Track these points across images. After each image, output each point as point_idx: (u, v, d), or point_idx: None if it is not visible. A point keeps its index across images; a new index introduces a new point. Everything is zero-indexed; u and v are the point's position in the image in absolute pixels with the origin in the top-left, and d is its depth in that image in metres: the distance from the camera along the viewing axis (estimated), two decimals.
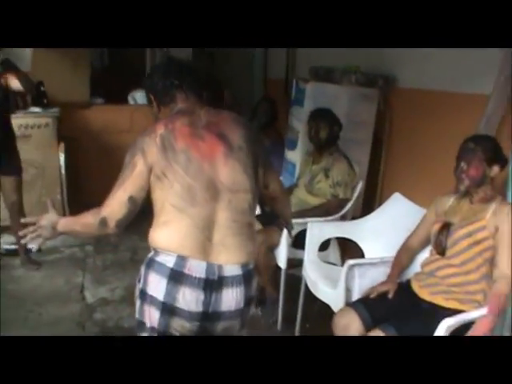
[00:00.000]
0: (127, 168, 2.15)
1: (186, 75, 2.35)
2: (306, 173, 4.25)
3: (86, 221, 2.19)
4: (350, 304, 2.98)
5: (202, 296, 2.10)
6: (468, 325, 2.59)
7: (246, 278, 2.18)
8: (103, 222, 2.13)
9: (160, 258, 2.13)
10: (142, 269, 2.20)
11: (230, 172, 2.17)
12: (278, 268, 3.96)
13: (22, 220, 2.46)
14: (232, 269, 2.13)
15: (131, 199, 2.12)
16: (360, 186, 4.11)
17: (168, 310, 2.12)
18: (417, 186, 3.91)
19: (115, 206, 2.13)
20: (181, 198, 2.11)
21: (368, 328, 2.75)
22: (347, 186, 4.02)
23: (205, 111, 2.27)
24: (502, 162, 2.80)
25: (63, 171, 5.62)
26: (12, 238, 5.16)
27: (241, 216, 2.18)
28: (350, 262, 3.17)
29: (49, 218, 2.28)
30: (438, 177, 3.61)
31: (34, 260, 5.04)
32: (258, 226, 4.05)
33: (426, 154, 3.98)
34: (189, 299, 2.10)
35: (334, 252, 4.10)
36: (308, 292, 3.76)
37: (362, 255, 3.72)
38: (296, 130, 4.67)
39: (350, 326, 2.81)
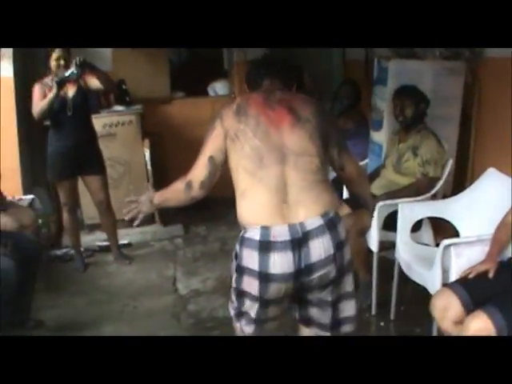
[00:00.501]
0: (208, 133, 2.42)
1: (271, 65, 2.61)
2: (393, 152, 4.14)
3: (175, 187, 2.49)
4: (447, 285, 2.87)
5: (291, 256, 2.25)
6: None
7: (329, 225, 2.30)
8: (189, 185, 2.41)
9: (248, 234, 2.32)
10: (237, 246, 2.39)
11: (295, 139, 2.34)
12: (370, 251, 3.87)
13: (127, 199, 2.73)
14: (313, 222, 2.28)
15: (211, 159, 2.38)
16: (450, 164, 3.97)
17: (264, 277, 2.29)
18: (510, 161, 3.73)
19: (198, 168, 2.40)
20: (250, 159, 2.31)
21: (468, 309, 2.63)
22: (437, 164, 3.88)
23: (280, 91, 2.49)
24: None
25: (149, 167, 5.69)
26: (103, 235, 5.29)
27: (310, 175, 2.33)
28: (446, 241, 3.06)
29: (147, 194, 2.64)
30: None
31: (125, 255, 5.14)
32: (347, 209, 3.99)
33: None
34: (280, 263, 2.26)
35: (426, 232, 3.97)
36: (401, 275, 3.67)
37: (456, 235, 3.58)
38: (380, 110, 4.56)
39: (448, 307, 2.70)
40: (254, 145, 2.31)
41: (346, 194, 4.37)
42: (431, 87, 4.20)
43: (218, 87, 6.66)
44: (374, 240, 3.80)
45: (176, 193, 2.51)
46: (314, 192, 2.32)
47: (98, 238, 5.42)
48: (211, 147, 2.39)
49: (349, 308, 2.50)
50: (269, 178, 2.29)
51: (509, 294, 2.63)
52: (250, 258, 2.30)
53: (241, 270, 2.37)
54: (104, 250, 5.25)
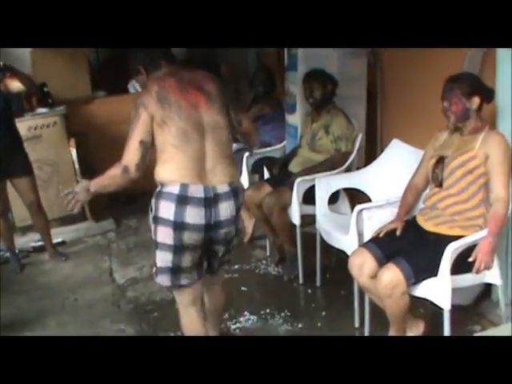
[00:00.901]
0: (134, 121, 2.69)
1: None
2: (307, 132, 4.44)
3: (111, 173, 2.74)
4: (362, 245, 3.18)
5: (203, 211, 2.70)
6: (472, 248, 2.80)
7: (234, 193, 2.82)
8: (125, 169, 2.67)
9: (167, 189, 2.69)
10: (153, 200, 2.76)
11: (210, 115, 2.77)
12: (293, 226, 4.16)
13: (63, 193, 2.88)
14: (222, 187, 2.76)
15: (142, 143, 2.67)
16: (360, 138, 4.29)
17: (179, 226, 2.69)
18: (414, 131, 4.06)
19: (131, 153, 2.68)
20: (178, 138, 2.68)
21: (381, 264, 2.94)
22: (348, 140, 4.20)
23: (185, 71, 2.87)
24: (483, 94, 2.97)
25: (77, 165, 5.84)
26: (37, 236, 5.42)
27: (222, 148, 2.80)
28: (358, 206, 3.38)
29: (81, 184, 2.87)
30: (433, 119, 3.75)
31: (61, 252, 5.28)
32: (269, 188, 4.27)
33: (419, 99, 4.13)
34: (194, 215, 2.68)
35: (343, 203, 4.28)
36: (323, 245, 3.97)
37: (370, 202, 3.90)
38: (293, 94, 4.85)
39: (364, 263, 3.00)
40: (180, 126, 2.68)
41: (266, 175, 4.66)
42: (338, 70, 4.49)
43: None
44: (295, 214, 4.09)
45: (113, 178, 2.75)
46: (224, 164, 2.80)
47: (31, 239, 5.53)
48: (140, 132, 2.68)
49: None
50: (191, 150, 2.70)
51: (414, 247, 2.96)
52: (167, 210, 2.69)
53: (157, 221, 2.75)
54: (39, 249, 5.37)
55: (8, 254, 5.19)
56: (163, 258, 2.80)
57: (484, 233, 2.81)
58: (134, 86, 6.77)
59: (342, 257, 3.64)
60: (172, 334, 3.61)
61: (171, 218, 2.68)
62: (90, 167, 5.99)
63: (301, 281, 4.22)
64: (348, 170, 4.23)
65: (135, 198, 6.02)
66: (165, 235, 2.74)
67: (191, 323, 2.97)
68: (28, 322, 3.99)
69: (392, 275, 2.81)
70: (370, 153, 4.62)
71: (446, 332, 2.86)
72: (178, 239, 2.72)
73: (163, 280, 2.88)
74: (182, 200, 2.66)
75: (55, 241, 5.40)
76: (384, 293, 2.86)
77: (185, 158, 2.69)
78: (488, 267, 2.79)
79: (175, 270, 2.81)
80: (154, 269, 2.89)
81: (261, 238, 5.00)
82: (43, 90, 5.89)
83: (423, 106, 4.08)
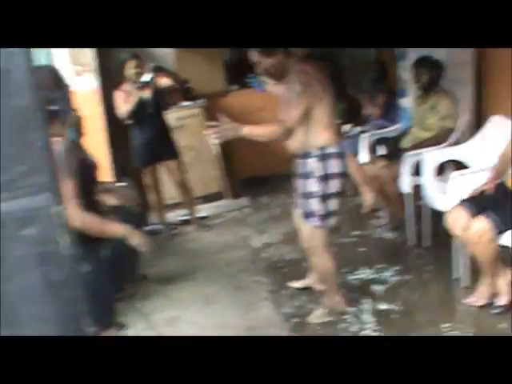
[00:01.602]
0: (298, 95, 3.40)
1: None
2: (417, 113, 5.02)
3: (267, 125, 3.55)
4: (457, 203, 3.74)
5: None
6: None
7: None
8: (282, 123, 3.45)
9: (330, 150, 3.56)
10: (319, 162, 3.54)
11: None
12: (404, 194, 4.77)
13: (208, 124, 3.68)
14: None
15: (301, 115, 3.43)
16: (464, 117, 4.81)
17: (343, 176, 3.75)
18: None
19: (291, 114, 3.42)
20: (328, 111, 3.56)
21: (473, 217, 3.50)
22: (452, 118, 4.74)
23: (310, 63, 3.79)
24: None
25: (216, 151, 6.69)
26: (184, 211, 6.30)
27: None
28: (456, 172, 3.94)
29: (233, 124, 3.53)
30: None
31: (204, 224, 6.15)
32: (383, 162, 4.89)
33: None
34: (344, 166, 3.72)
35: (448, 174, 4.81)
36: (431, 212, 4.54)
37: None
38: (404, 81, 5.43)
39: (458, 218, 3.57)
40: (328, 102, 3.53)
41: (380, 152, 5.27)
42: (445, 55, 5.02)
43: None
44: (405, 184, 4.68)
45: (267, 129, 3.53)
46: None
47: (178, 214, 6.43)
48: (303, 106, 3.41)
49: None
50: (334, 121, 3.69)
51: (501, 204, 3.49)
52: (336, 165, 3.56)
53: (327, 177, 3.54)
54: (185, 223, 6.26)
55: (160, 227, 6.10)
56: (331, 205, 3.62)
57: None
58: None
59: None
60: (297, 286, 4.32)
61: (341, 170, 3.60)
62: (227, 152, 6.84)
63: (411, 243, 4.81)
64: (456, 144, 4.76)
65: (266, 180, 6.87)
66: (335, 186, 3.59)
67: (328, 261, 3.73)
68: (180, 276, 4.85)
69: (480, 224, 3.38)
70: (477, 130, 5.10)
71: None
72: (341, 186, 3.64)
73: (327, 223, 3.68)
74: (343, 156, 3.63)
75: (199, 215, 6.27)
76: (474, 240, 3.43)
77: (332, 126, 3.56)
78: None
79: (330, 214, 3.65)
80: (319, 221, 3.63)
81: (378, 210, 5.60)
82: (186, 86, 6.81)
83: None
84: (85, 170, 3.67)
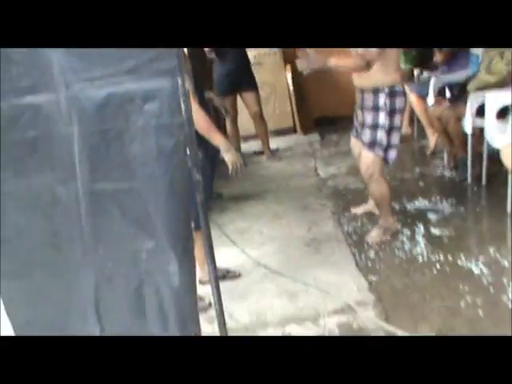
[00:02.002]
0: None
1: None
2: (485, 58, 5.26)
3: (355, 60, 3.85)
4: None
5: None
6: None
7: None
8: (363, 56, 3.77)
9: (397, 89, 3.98)
10: (387, 99, 3.93)
11: None
12: (466, 134, 5.08)
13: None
14: None
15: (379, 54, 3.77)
16: None
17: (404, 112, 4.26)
18: None
19: (373, 54, 3.75)
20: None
21: None
22: None
23: None
24: None
25: (291, 88, 7.10)
26: (258, 142, 6.77)
27: None
28: None
29: (318, 55, 3.82)
30: None
31: (275, 154, 6.61)
32: (448, 104, 5.20)
33: None
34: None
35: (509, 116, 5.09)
36: (492, 153, 4.84)
37: None
38: None
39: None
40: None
41: (447, 95, 5.57)
42: None
43: None
44: (468, 124, 4.98)
45: (351, 59, 3.88)
46: None
47: (252, 146, 6.91)
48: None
49: None
50: None
51: None
52: (401, 102, 3.96)
53: (394, 112, 3.94)
54: (258, 153, 6.74)
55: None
56: (393, 138, 4.03)
57: None
58: None
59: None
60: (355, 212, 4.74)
61: (404, 106, 4.06)
62: (301, 89, 7.24)
63: (469, 181, 5.14)
64: None
65: (336, 120, 7.25)
66: (399, 120, 4.01)
67: (384, 187, 4.17)
68: (252, 196, 5.34)
69: None
70: None
71: None
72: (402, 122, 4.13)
73: (394, 154, 4.09)
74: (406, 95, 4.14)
75: (271, 147, 6.73)
76: None
77: (399, 69, 4.08)
78: None
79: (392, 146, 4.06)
80: (382, 151, 4.04)
81: (440, 152, 5.93)
82: None
83: None
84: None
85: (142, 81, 2.12)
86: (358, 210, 4.77)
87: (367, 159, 4.10)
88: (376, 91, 3.96)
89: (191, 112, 2.10)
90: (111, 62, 2.11)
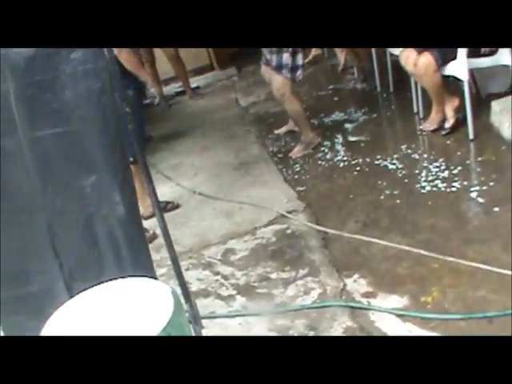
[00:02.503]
0: None
1: None
2: None
3: None
4: None
5: None
6: None
7: None
8: None
9: None
10: None
11: None
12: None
13: None
14: None
15: None
16: None
17: None
18: None
19: None
20: None
21: (419, 53, 4.13)
22: None
23: None
24: None
25: None
26: (179, 83, 6.98)
27: None
28: None
29: None
30: None
31: (197, 93, 6.85)
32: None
33: None
34: None
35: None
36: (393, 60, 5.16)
37: None
38: None
39: (408, 56, 4.20)
40: None
41: None
42: None
43: None
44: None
45: None
46: None
47: (173, 87, 7.11)
48: None
49: None
50: None
51: None
52: None
53: None
54: (180, 93, 6.96)
55: (158, 99, 6.78)
56: (298, 60, 4.37)
57: None
58: None
59: None
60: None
61: None
62: None
63: (379, 89, 5.51)
64: None
65: (251, 53, 7.45)
66: None
67: (297, 106, 4.53)
68: (180, 134, 5.60)
69: (425, 59, 4.07)
70: None
71: (467, 101, 4.05)
72: None
73: (295, 75, 4.41)
74: None
75: (192, 86, 6.95)
76: (421, 72, 4.13)
77: None
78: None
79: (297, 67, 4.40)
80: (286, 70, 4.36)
81: (351, 67, 6.27)
82: None
83: None
84: None
85: None
86: (281, 131, 5.10)
87: (277, 82, 4.43)
88: None
89: (113, 53, 2.33)
90: None
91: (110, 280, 2.25)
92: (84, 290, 2.23)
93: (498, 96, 4.38)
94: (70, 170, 2.55)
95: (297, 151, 4.61)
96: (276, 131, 5.13)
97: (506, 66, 4.16)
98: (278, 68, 4.34)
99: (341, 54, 6.31)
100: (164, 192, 4.30)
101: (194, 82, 7.10)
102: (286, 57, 4.27)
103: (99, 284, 2.24)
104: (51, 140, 2.50)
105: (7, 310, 2.87)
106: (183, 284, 2.58)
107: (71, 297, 2.56)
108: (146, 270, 2.53)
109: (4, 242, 2.72)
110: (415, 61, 4.20)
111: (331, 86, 5.98)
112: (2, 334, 2.94)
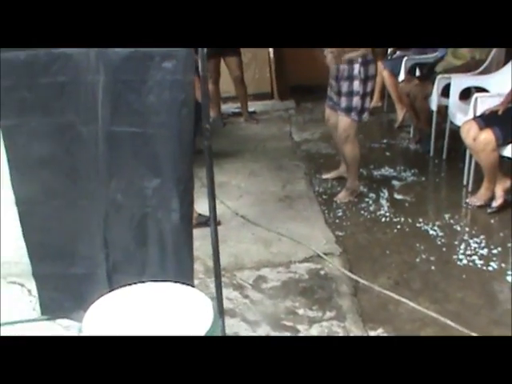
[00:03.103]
0: None
1: None
2: None
3: None
4: (472, 118, 4.50)
5: None
6: None
7: None
8: None
9: (369, 58, 4.42)
10: (361, 67, 4.34)
11: None
12: (432, 111, 5.52)
13: None
14: None
15: None
16: (494, 51, 5.48)
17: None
18: None
19: None
20: None
21: (481, 128, 4.26)
22: (482, 51, 5.44)
23: None
24: None
25: (271, 55, 7.46)
26: (237, 104, 7.13)
27: None
28: (476, 94, 4.68)
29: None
30: None
31: (253, 117, 6.98)
32: (417, 82, 5.63)
33: None
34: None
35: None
36: (453, 130, 5.28)
37: None
38: None
39: (470, 129, 4.33)
40: None
41: (417, 73, 5.99)
42: None
43: None
44: (434, 102, 5.42)
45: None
46: None
47: (231, 107, 7.26)
48: None
49: None
50: None
51: (507, 122, 4.23)
52: (372, 70, 4.43)
53: (367, 79, 4.40)
54: (237, 114, 7.11)
55: (214, 115, 6.93)
56: (366, 103, 4.50)
57: None
58: None
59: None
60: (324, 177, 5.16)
61: (374, 73, 4.56)
62: (280, 58, 7.60)
63: (431, 154, 5.59)
64: (483, 73, 5.45)
65: (311, 89, 7.60)
66: (371, 86, 4.47)
67: (357, 149, 4.66)
68: (230, 154, 5.72)
69: (486, 135, 4.15)
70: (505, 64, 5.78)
71: None
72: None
73: (362, 117, 4.53)
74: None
75: (249, 110, 7.10)
76: (480, 147, 4.20)
77: None
78: None
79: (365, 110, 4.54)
80: (355, 113, 4.46)
81: (407, 126, 6.37)
82: None
83: None
84: None
85: None
86: (329, 176, 5.18)
87: (345, 123, 4.51)
88: (351, 62, 4.35)
89: (206, 71, 2.45)
90: None
91: (151, 280, 2.37)
92: (124, 283, 2.36)
93: None
94: (138, 169, 2.66)
95: (342, 197, 4.70)
96: (324, 176, 5.20)
97: None
98: (348, 110, 4.44)
99: (400, 111, 6.42)
100: (207, 207, 4.38)
101: (252, 106, 7.24)
102: (356, 100, 4.39)
103: (139, 281, 2.36)
104: (126, 137, 2.62)
105: (49, 284, 3.00)
106: (220, 300, 2.67)
107: (110, 287, 2.70)
108: (186, 278, 2.62)
109: (61, 221, 2.86)
110: (476, 135, 4.28)
111: (385, 141, 6.08)
112: (38, 308, 3.09)
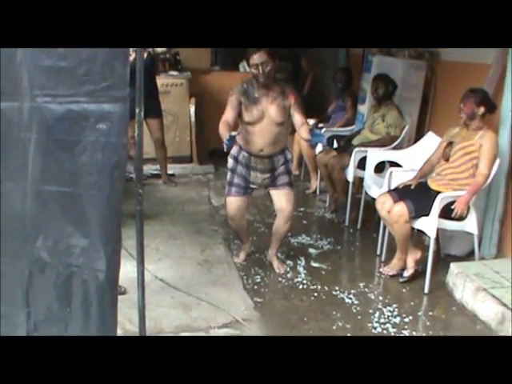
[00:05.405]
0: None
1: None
2: (369, 119, 5.99)
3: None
4: (386, 191, 4.71)
5: None
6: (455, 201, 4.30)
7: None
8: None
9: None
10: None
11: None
12: (348, 182, 5.72)
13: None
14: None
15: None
16: (407, 128, 5.79)
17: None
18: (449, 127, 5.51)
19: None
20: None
21: (395, 201, 4.45)
22: (397, 127, 5.74)
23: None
24: (489, 106, 4.43)
25: (193, 119, 7.57)
26: (156, 166, 7.15)
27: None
28: (391, 169, 4.91)
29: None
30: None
31: (172, 180, 7.02)
32: (334, 153, 5.84)
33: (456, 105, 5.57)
34: None
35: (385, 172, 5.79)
36: (367, 201, 5.49)
37: None
38: (365, 90, 6.41)
39: (385, 202, 4.52)
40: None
41: (334, 145, 6.22)
42: (401, 77, 6.01)
43: (246, 65, 8.49)
44: (350, 174, 5.63)
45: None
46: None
47: (150, 168, 7.27)
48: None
49: None
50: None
51: (419, 196, 4.45)
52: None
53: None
54: (156, 176, 7.13)
55: (133, 176, 6.90)
56: None
57: (464, 192, 4.30)
58: (243, 66, 8.42)
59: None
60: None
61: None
62: (201, 121, 7.72)
63: (346, 223, 5.78)
64: (397, 148, 5.73)
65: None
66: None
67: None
68: (148, 216, 5.69)
69: (400, 208, 4.35)
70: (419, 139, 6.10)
71: (430, 257, 4.33)
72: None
73: None
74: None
75: (168, 172, 7.14)
76: (394, 219, 4.39)
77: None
78: (462, 214, 4.28)
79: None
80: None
81: (323, 192, 6.57)
82: (176, 58, 7.66)
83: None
84: None
85: (98, 103, 2.51)
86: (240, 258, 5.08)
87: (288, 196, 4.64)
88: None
89: (142, 135, 2.49)
90: (74, 84, 2.48)
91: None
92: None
93: (456, 258, 4.69)
94: (66, 228, 2.64)
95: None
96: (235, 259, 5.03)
97: (469, 233, 4.49)
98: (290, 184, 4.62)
99: (313, 180, 6.66)
100: (127, 269, 4.33)
101: (171, 168, 7.29)
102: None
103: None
104: (56, 196, 2.61)
105: None
106: None
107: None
108: (109, 332, 2.62)
109: None
110: (390, 208, 4.47)
111: (302, 209, 6.23)
112: None
